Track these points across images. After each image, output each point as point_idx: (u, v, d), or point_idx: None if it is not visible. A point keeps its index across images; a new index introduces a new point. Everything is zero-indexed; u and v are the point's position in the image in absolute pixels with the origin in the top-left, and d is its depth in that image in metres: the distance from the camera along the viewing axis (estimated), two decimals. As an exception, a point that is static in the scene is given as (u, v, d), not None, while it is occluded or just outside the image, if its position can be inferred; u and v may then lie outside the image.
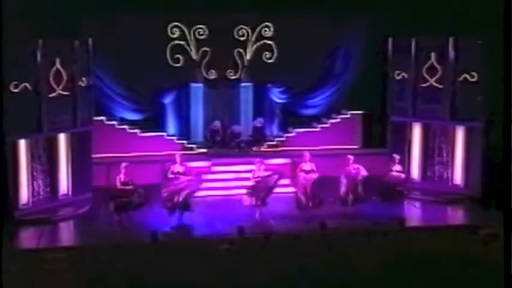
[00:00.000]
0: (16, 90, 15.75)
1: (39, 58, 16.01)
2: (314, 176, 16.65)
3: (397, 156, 17.40)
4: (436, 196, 17.99)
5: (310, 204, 16.57)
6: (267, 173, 16.49)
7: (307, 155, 16.86)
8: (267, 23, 19.95)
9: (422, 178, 18.67)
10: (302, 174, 16.73)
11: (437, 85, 18.04)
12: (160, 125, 20.03)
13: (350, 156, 17.07)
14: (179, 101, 20.18)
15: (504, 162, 14.33)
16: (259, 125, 20.10)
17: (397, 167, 17.05)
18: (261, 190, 16.27)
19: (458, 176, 18.23)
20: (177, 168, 16.45)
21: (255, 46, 20.03)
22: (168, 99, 20.02)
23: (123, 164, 16.16)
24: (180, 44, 19.71)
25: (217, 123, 19.80)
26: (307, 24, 19.65)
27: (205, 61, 19.89)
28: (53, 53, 16.30)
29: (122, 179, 16.09)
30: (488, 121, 17.70)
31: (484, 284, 11.40)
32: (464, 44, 17.69)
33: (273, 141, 20.20)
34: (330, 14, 19.54)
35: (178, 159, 16.64)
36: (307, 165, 16.68)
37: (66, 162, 16.99)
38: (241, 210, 16.45)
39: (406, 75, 18.41)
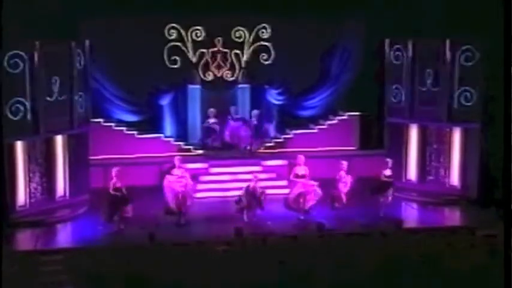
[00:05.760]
0: (13, 92, 15.69)
1: (36, 59, 15.96)
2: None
3: (389, 160, 16.98)
4: (433, 197, 17.99)
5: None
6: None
7: (301, 158, 16.71)
8: (264, 25, 19.95)
9: (420, 179, 18.65)
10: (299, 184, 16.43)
11: (434, 86, 18.04)
12: (157, 127, 20.01)
13: (343, 162, 16.73)
14: (176, 103, 20.15)
15: (504, 163, 14.34)
16: (254, 119, 19.89)
17: (387, 172, 16.77)
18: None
19: (455, 177, 18.21)
20: (175, 171, 16.35)
21: (252, 47, 20.04)
22: (165, 101, 20.00)
23: (115, 169, 15.74)
24: (177, 46, 19.71)
25: (212, 110, 19.56)
26: (305, 25, 19.66)
27: (202, 62, 19.89)
28: (50, 54, 16.25)
29: (115, 185, 15.58)
30: (486, 122, 17.69)
31: (483, 285, 11.42)
32: (461, 45, 17.68)
33: (270, 142, 20.20)
34: (327, 16, 19.54)
35: (177, 162, 16.42)
36: (302, 169, 16.53)
37: (63, 164, 16.92)
38: (239, 211, 16.40)
39: (403, 77, 18.41)
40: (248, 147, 19.50)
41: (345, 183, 16.41)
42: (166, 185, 16.03)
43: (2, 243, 13.57)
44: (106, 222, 15.56)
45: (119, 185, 15.56)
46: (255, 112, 19.80)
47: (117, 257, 12.77)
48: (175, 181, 15.99)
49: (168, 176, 16.17)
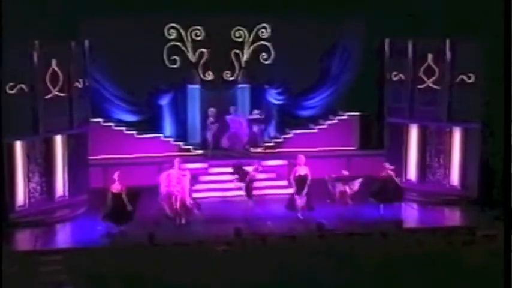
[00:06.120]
0: (12, 92, 15.69)
1: (35, 59, 15.95)
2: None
3: (389, 166, 16.92)
4: (433, 197, 17.97)
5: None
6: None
7: (302, 158, 16.69)
8: (263, 24, 19.94)
9: (420, 179, 18.63)
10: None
11: (434, 86, 18.03)
12: (157, 127, 19.99)
13: (345, 172, 16.96)
14: (176, 103, 20.13)
15: (504, 164, 14.32)
16: (258, 115, 19.87)
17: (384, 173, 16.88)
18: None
19: (455, 177, 18.20)
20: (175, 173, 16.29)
21: (252, 47, 20.02)
22: (165, 101, 19.97)
23: (116, 173, 15.60)
24: (177, 45, 19.69)
25: (212, 110, 19.54)
26: (305, 25, 19.63)
27: (202, 62, 19.87)
28: (49, 54, 16.25)
29: (117, 189, 15.43)
30: (486, 122, 17.66)
31: (483, 285, 11.39)
32: (461, 45, 17.68)
33: (270, 142, 20.18)
34: (327, 16, 19.51)
35: (177, 164, 16.30)
36: (303, 169, 16.51)
37: (62, 164, 16.92)
38: (238, 211, 16.40)
39: (403, 77, 18.40)
40: (246, 147, 19.48)
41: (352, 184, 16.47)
42: (163, 180, 15.93)
43: (1, 243, 13.56)
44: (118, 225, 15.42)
45: (119, 188, 15.48)
46: (256, 112, 19.79)
47: (116, 257, 12.74)
48: (173, 176, 15.91)
49: (167, 172, 16.08)
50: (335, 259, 12.14)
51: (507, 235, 12.23)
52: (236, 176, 16.66)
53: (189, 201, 15.94)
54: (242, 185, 16.51)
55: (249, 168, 16.83)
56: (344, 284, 11.40)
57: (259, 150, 19.82)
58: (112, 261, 12.43)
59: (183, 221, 15.89)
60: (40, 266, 13.64)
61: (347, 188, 16.49)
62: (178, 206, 15.80)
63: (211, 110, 19.55)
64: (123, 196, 15.33)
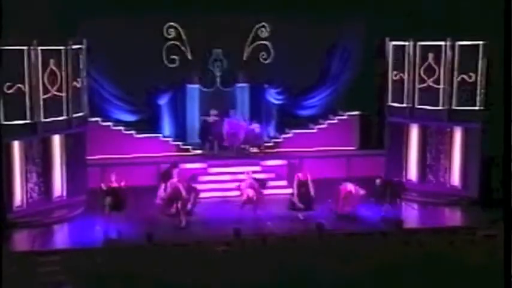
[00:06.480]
0: (10, 91, 15.62)
1: (33, 59, 15.88)
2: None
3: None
4: (433, 197, 17.91)
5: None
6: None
7: (304, 166, 16.62)
8: (263, 23, 19.87)
9: (420, 179, 18.57)
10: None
11: (434, 86, 17.98)
12: (156, 127, 19.92)
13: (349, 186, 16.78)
14: (175, 102, 20.07)
15: (504, 164, 14.27)
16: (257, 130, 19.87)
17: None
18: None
19: (456, 178, 18.14)
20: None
21: (251, 46, 19.95)
22: (163, 100, 19.91)
23: (113, 174, 15.72)
24: (176, 45, 19.61)
25: (214, 112, 19.51)
26: (304, 25, 19.57)
27: (201, 61, 19.78)
28: (47, 53, 16.17)
29: (117, 182, 15.62)
30: (486, 122, 17.61)
31: (483, 285, 11.35)
32: (461, 45, 17.63)
33: (269, 142, 20.12)
34: (327, 16, 19.45)
35: (175, 175, 16.33)
36: (305, 174, 16.40)
37: (60, 164, 16.83)
38: (237, 212, 16.33)
39: (403, 76, 18.35)
40: (242, 146, 19.40)
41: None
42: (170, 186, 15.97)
43: (1, 244, 13.51)
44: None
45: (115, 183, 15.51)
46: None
47: (115, 257, 12.69)
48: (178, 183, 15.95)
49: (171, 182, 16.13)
50: (335, 259, 12.09)
51: (507, 235, 12.18)
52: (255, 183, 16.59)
53: (189, 205, 15.95)
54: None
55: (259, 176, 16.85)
56: (344, 284, 11.36)
57: (258, 150, 19.75)
58: (111, 261, 12.37)
59: (184, 223, 15.77)
60: (38, 266, 13.56)
61: (353, 189, 16.36)
62: (180, 206, 15.75)
63: (213, 112, 19.47)
64: (124, 189, 15.34)
